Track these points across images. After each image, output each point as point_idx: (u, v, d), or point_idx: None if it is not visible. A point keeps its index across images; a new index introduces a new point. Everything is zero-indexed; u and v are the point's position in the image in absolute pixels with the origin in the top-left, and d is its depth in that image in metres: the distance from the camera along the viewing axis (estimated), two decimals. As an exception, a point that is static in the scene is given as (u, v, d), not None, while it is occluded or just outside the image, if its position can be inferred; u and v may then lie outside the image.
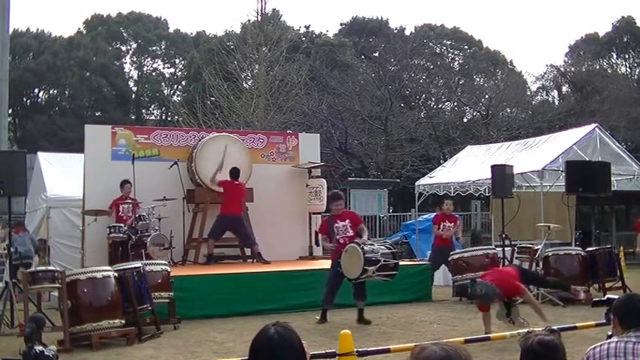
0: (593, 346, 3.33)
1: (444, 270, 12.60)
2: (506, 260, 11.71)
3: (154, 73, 42.57)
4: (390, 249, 8.97)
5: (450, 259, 11.65)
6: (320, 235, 9.46)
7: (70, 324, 7.62)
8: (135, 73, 42.81)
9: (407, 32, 37.11)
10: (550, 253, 11.18)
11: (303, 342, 2.55)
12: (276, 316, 9.17)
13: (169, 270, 9.29)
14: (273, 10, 26.01)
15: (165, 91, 41.51)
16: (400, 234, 20.53)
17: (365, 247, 8.51)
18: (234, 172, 12.19)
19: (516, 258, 11.73)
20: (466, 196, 18.79)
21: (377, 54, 34.71)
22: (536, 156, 14.71)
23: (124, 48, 42.28)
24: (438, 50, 37.00)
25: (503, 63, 38.32)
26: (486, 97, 30.01)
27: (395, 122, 28.00)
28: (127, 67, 42.43)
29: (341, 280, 8.94)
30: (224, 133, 13.87)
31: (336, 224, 9.10)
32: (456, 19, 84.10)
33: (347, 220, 9.14)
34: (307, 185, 13.65)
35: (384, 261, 8.56)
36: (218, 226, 12.07)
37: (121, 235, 11.48)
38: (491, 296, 7.59)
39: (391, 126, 27.78)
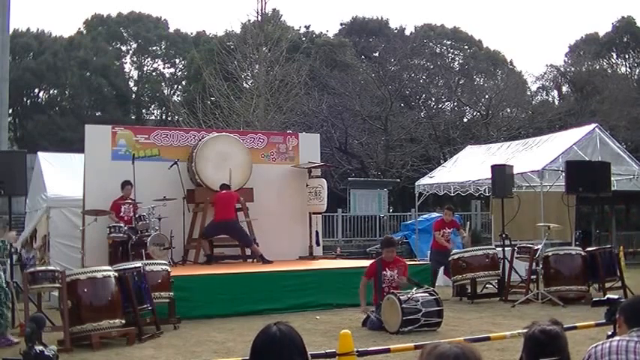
0: (594, 345, 3.33)
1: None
2: (506, 260, 11.71)
3: (154, 73, 42.54)
4: (434, 295, 8.51)
5: (450, 259, 11.68)
6: (365, 278, 8.91)
7: (70, 324, 7.61)
8: (135, 73, 42.84)
9: (407, 32, 37.12)
10: (550, 253, 11.17)
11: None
12: (276, 316, 9.18)
13: (169, 270, 9.29)
14: (273, 10, 25.98)
15: (165, 91, 41.46)
16: (400, 234, 20.54)
17: (404, 305, 8.10)
18: (223, 187, 12.30)
19: (516, 258, 11.72)
20: (466, 196, 18.80)
21: (377, 54, 34.69)
22: (536, 156, 14.72)
23: (124, 48, 42.26)
24: (438, 50, 36.94)
25: (503, 63, 38.29)
26: (486, 97, 30.00)
27: (395, 122, 28.00)
28: (127, 67, 42.47)
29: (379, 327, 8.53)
30: (224, 133, 13.89)
31: (384, 272, 8.78)
32: (456, 19, 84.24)
33: (396, 270, 8.81)
34: (307, 185, 13.66)
35: (425, 320, 8.18)
36: (211, 228, 12.24)
37: (121, 235, 11.47)
38: None
39: (391, 126, 27.77)
